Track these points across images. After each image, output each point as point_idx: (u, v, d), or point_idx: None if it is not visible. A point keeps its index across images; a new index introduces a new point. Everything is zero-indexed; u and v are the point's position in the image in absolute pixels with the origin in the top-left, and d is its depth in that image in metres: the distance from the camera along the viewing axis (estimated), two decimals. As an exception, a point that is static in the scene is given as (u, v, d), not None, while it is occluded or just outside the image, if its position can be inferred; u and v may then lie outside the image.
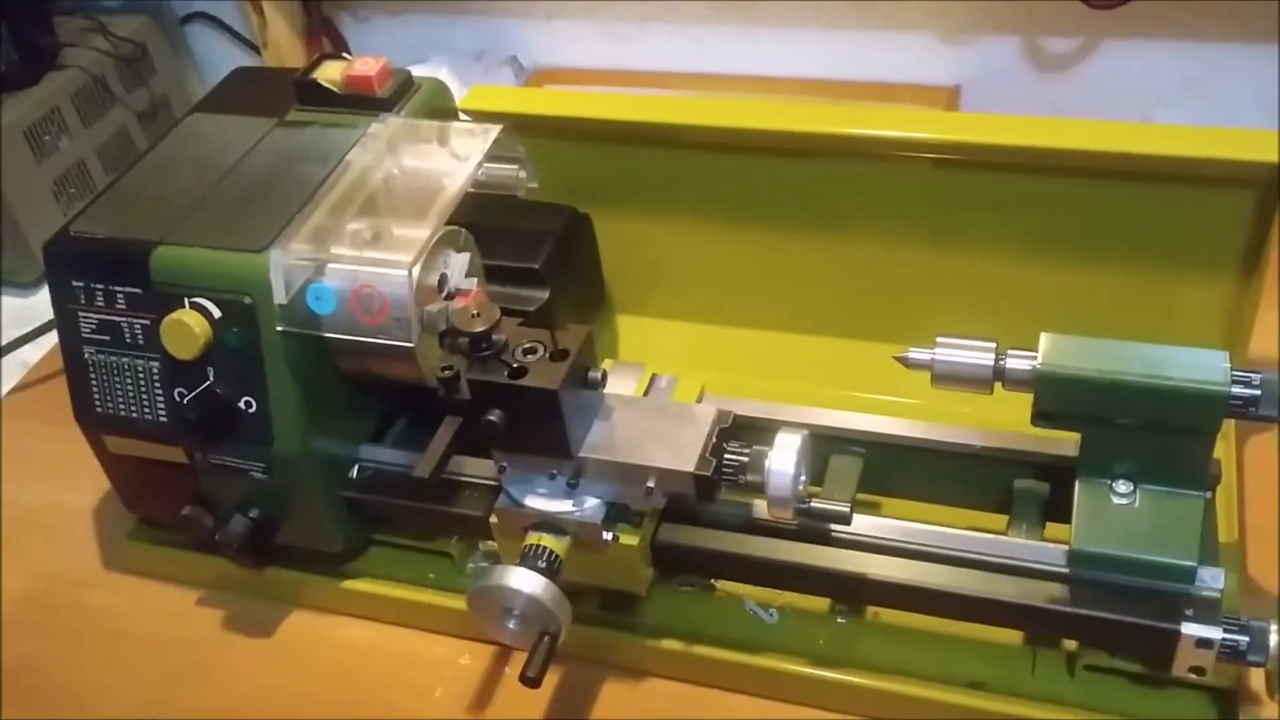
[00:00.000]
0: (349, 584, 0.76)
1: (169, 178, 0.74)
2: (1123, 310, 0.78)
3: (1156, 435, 0.59)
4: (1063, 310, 0.79)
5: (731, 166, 0.82)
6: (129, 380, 0.70)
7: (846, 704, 0.68)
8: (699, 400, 0.72)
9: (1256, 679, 0.61)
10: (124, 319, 0.69)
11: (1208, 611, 0.59)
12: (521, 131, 0.75)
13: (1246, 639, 0.58)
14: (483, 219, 0.73)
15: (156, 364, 0.69)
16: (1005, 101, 1.08)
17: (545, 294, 0.77)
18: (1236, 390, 0.57)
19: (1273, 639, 0.58)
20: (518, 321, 0.65)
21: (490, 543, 0.71)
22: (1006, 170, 0.77)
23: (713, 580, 0.73)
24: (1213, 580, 0.59)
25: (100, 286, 0.69)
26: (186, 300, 0.67)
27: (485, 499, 0.68)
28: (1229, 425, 0.75)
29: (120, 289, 0.69)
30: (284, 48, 1.19)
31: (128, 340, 0.70)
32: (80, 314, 0.70)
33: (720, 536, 0.67)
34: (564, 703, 0.70)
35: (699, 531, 0.67)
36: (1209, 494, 0.63)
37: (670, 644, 0.70)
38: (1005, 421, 0.67)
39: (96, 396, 0.72)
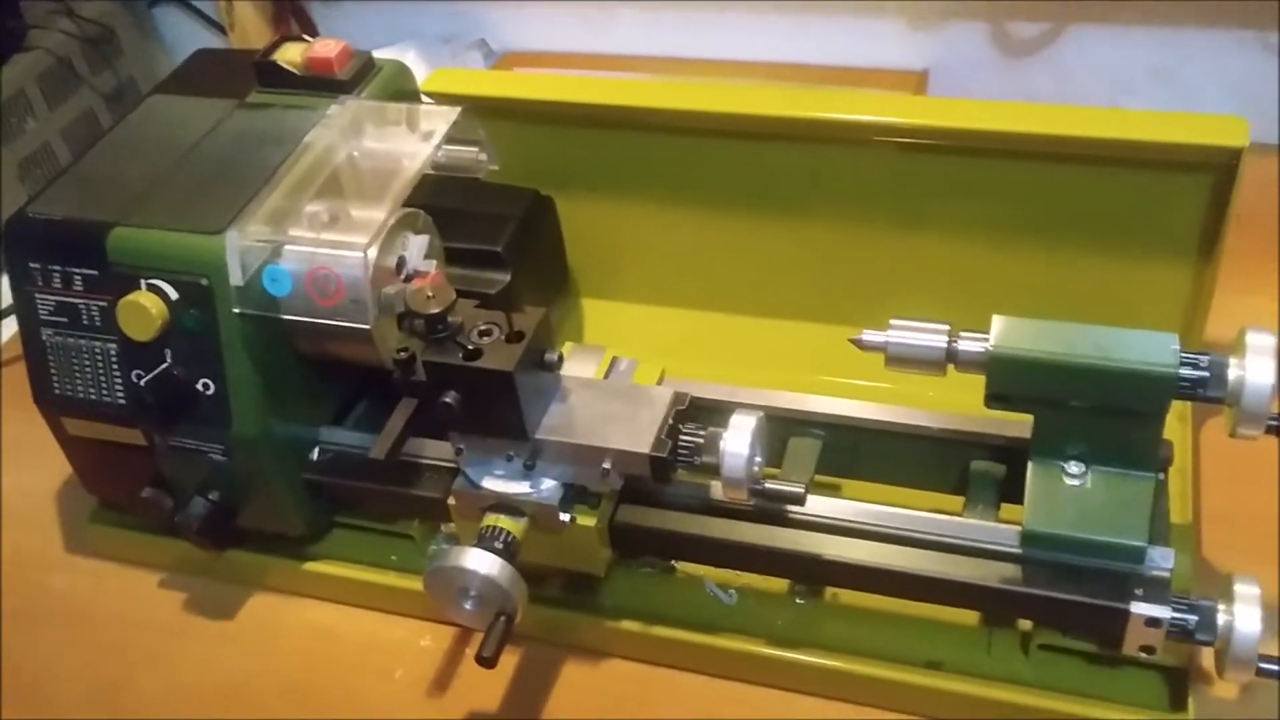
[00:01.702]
0: (310, 566, 0.76)
1: (128, 159, 0.74)
2: (1085, 294, 0.78)
3: (1107, 417, 0.59)
4: (1026, 294, 0.79)
5: (697, 150, 0.82)
6: (87, 362, 0.70)
7: (805, 684, 0.68)
8: (659, 383, 0.73)
9: (1208, 658, 0.62)
10: (81, 301, 0.69)
11: (1157, 591, 0.59)
12: (485, 114, 0.75)
13: (1195, 618, 0.58)
14: (445, 202, 0.74)
15: (114, 346, 0.69)
16: (973, 87, 1.08)
17: (507, 277, 0.77)
18: (1185, 372, 0.57)
19: (1221, 618, 0.58)
20: (475, 303, 0.65)
21: (452, 525, 0.71)
22: (972, 155, 0.77)
23: (673, 562, 0.73)
24: (1162, 560, 0.60)
25: (57, 268, 0.69)
26: (143, 282, 0.67)
27: (444, 481, 0.68)
28: (1185, 408, 0.76)
29: (77, 271, 0.69)
30: (251, 31, 1.19)
31: (85, 322, 0.69)
32: (38, 296, 0.70)
33: (678, 518, 0.67)
34: (524, 683, 0.71)
35: (657, 513, 0.67)
36: (1160, 475, 0.64)
37: (630, 625, 0.70)
38: (966, 405, 0.67)
39: (55, 378, 0.71)
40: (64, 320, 0.70)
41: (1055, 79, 1.07)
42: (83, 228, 0.69)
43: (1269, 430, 0.57)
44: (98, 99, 1.21)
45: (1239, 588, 0.59)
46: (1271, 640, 0.62)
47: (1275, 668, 0.59)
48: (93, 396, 0.71)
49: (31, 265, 0.70)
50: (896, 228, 0.81)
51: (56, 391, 0.72)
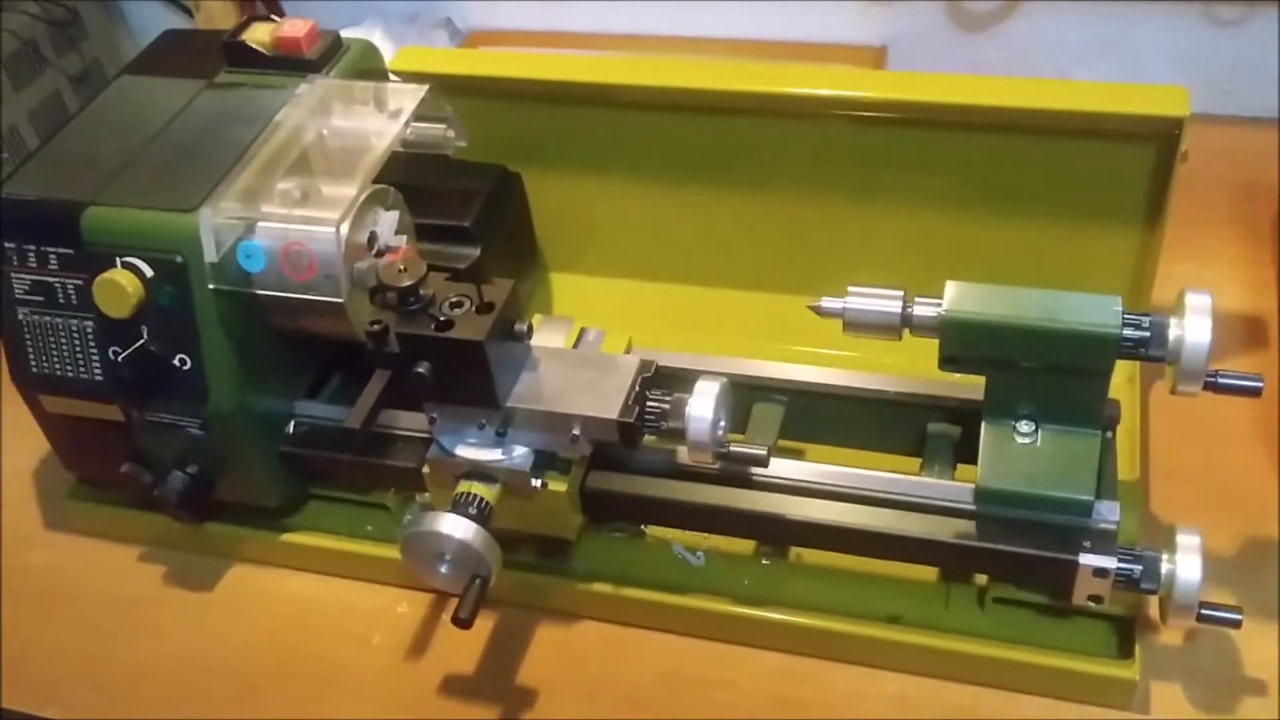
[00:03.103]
0: (287, 537, 0.78)
1: (99, 139, 0.75)
2: (1037, 260, 0.80)
3: (1055, 377, 0.62)
4: (981, 261, 0.81)
5: (661, 126, 0.84)
6: (64, 340, 0.71)
7: (771, 641, 0.71)
8: (627, 353, 0.74)
9: (1154, 608, 0.64)
10: (57, 279, 0.70)
11: (1104, 543, 0.62)
12: (452, 92, 0.76)
13: (1140, 568, 0.61)
14: (415, 178, 0.75)
15: (90, 323, 0.70)
16: (930, 62, 1.11)
17: (476, 251, 0.78)
18: (1127, 332, 0.60)
19: (1164, 567, 0.61)
20: (445, 277, 0.66)
21: (427, 495, 0.72)
22: (927, 127, 0.79)
23: (642, 526, 0.75)
24: (1109, 513, 0.63)
25: (32, 248, 0.70)
26: (118, 260, 0.68)
27: (418, 451, 0.70)
28: (1135, 371, 0.79)
29: (52, 250, 0.70)
30: (216, 11, 1.19)
31: (61, 300, 0.71)
32: (13, 275, 0.71)
33: (647, 482, 0.69)
34: (498, 646, 0.72)
35: (626, 478, 0.69)
36: (1108, 433, 0.66)
37: (601, 587, 0.72)
38: (922, 370, 0.69)
39: (32, 357, 0.72)
40: (40, 299, 0.71)
41: (1008, 52, 1.09)
42: (57, 207, 0.70)
43: (1206, 386, 0.60)
44: (64, 81, 1.21)
45: (1181, 538, 0.61)
46: (1222, 590, 0.65)
47: (1215, 614, 0.61)
48: (70, 374, 0.72)
49: (6, 245, 0.71)
50: (855, 199, 0.83)
51: (34, 370, 0.73)
